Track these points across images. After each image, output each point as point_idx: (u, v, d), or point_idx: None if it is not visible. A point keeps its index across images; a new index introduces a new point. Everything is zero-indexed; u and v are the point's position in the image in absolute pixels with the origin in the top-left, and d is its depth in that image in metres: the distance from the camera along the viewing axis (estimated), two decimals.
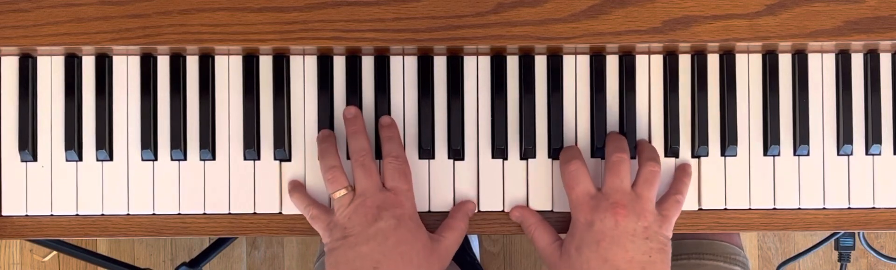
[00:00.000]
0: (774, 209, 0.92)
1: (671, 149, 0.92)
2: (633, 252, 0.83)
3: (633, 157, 0.91)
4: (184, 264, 1.36)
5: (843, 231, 1.04)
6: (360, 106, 0.91)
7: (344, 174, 0.88)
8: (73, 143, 0.91)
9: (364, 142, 0.88)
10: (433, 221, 0.91)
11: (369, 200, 0.86)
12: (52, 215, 0.91)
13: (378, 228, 0.84)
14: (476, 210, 0.92)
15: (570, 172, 0.87)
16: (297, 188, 0.91)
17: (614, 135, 0.91)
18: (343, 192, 0.87)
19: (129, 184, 0.91)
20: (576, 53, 0.92)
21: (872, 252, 1.05)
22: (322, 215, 0.88)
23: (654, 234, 0.85)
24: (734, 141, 0.91)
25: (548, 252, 0.88)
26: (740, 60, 0.92)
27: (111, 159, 0.91)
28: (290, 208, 0.91)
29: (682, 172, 0.91)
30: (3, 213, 0.91)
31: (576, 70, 0.92)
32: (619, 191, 0.85)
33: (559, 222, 0.92)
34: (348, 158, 0.90)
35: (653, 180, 0.87)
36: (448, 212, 0.92)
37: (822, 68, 0.92)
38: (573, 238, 0.86)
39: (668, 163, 0.92)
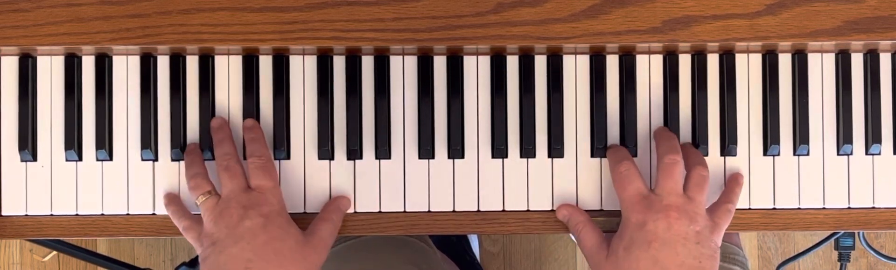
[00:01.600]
0: (774, 208, 0.92)
1: None
2: (683, 256, 0.83)
3: (634, 155, 0.91)
4: (184, 264, 1.36)
5: (842, 231, 1.04)
6: (359, 106, 0.91)
7: (207, 180, 0.88)
8: (73, 143, 0.91)
9: (228, 147, 0.88)
10: (433, 221, 0.91)
11: (234, 201, 0.85)
12: (51, 215, 0.91)
13: (245, 228, 0.84)
14: (351, 207, 0.91)
15: (620, 172, 0.87)
16: (173, 200, 0.90)
17: (664, 133, 0.90)
18: (205, 197, 0.87)
19: (129, 184, 0.91)
20: (576, 53, 0.92)
21: (872, 252, 1.05)
22: (194, 225, 0.87)
23: (705, 240, 0.84)
24: (734, 141, 0.91)
25: (594, 251, 0.87)
26: (740, 59, 0.92)
27: (111, 159, 0.91)
28: (290, 208, 0.91)
29: (733, 182, 0.91)
30: (3, 213, 0.91)
31: (576, 70, 0.92)
32: (673, 193, 0.85)
33: (560, 222, 0.92)
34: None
35: (703, 184, 0.86)
36: (449, 212, 0.92)
37: (822, 68, 0.92)
38: (622, 238, 0.85)
39: None
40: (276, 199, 0.87)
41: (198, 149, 0.91)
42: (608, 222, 0.91)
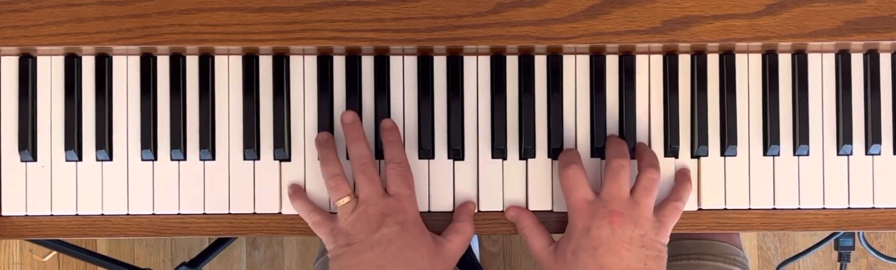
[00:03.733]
0: (774, 209, 0.92)
1: (671, 149, 0.92)
2: (628, 260, 0.83)
3: (633, 157, 0.91)
4: (184, 264, 1.36)
5: (842, 231, 1.04)
6: (359, 106, 0.91)
7: (346, 181, 0.88)
8: (73, 143, 0.91)
9: (364, 148, 0.88)
10: (433, 221, 0.91)
11: (372, 207, 0.86)
12: (51, 215, 0.91)
13: (382, 234, 0.85)
14: (476, 210, 0.92)
15: (567, 177, 0.87)
16: (298, 192, 0.91)
17: (615, 139, 0.91)
18: (346, 200, 0.87)
19: (128, 184, 0.91)
20: (576, 53, 0.92)
21: (872, 252, 1.05)
22: (325, 221, 0.88)
23: (650, 242, 0.85)
24: (734, 141, 0.91)
25: (543, 254, 0.88)
26: (740, 60, 0.92)
27: (111, 159, 0.91)
28: (290, 208, 0.91)
29: (682, 177, 0.91)
30: (3, 213, 0.91)
31: (576, 70, 0.92)
32: (617, 198, 0.85)
33: (558, 222, 0.92)
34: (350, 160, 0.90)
35: (652, 187, 0.87)
36: (448, 212, 0.92)
37: (822, 68, 0.92)
38: (570, 241, 0.86)
39: (667, 163, 0.92)
40: (412, 208, 0.87)
41: (332, 141, 0.90)
42: None
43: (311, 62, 0.92)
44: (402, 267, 0.84)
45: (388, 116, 0.91)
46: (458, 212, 0.91)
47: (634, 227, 0.84)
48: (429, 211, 0.92)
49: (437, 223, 0.91)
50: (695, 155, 0.92)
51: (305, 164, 0.92)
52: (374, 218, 0.85)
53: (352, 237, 0.85)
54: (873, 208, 0.92)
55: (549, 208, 0.92)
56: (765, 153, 0.92)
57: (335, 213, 0.89)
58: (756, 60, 0.92)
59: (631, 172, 0.88)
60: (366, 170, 0.87)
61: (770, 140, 0.92)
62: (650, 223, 0.85)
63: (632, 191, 0.87)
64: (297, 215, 0.91)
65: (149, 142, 0.91)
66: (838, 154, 0.92)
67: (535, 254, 0.89)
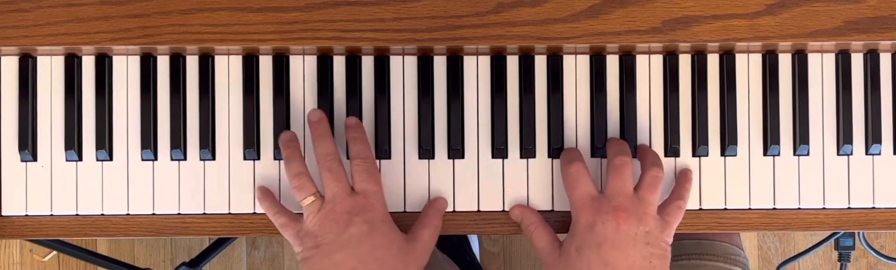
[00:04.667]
0: (774, 209, 0.92)
1: (671, 149, 0.92)
2: (633, 258, 0.83)
3: (633, 156, 0.91)
4: (184, 264, 1.36)
5: (842, 231, 1.04)
6: (359, 106, 0.91)
7: (311, 180, 0.87)
8: (73, 143, 0.91)
9: (330, 146, 0.87)
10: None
11: (339, 205, 0.85)
12: (52, 215, 0.91)
13: (350, 234, 0.84)
14: (447, 206, 0.91)
15: (570, 173, 0.87)
16: (267, 195, 0.90)
17: (615, 139, 0.91)
18: (311, 199, 0.86)
19: (129, 184, 0.91)
20: (576, 53, 0.92)
21: (872, 252, 1.05)
22: (292, 222, 0.87)
23: (655, 239, 0.84)
24: (734, 141, 0.91)
25: (546, 251, 0.88)
26: (740, 59, 0.92)
27: (111, 159, 0.91)
28: (290, 208, 0.91)
29: (683, 177, 0.91)
30: (3, 213, 0.91)
31: (576, 70, 0.92)
32: (622, 194, 0.85)
33: (559, 222, 0.92)
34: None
35: (656, 184, 0.87)
36: (448, 212, 0.92)
37: (822, 68, 0.92)
38: (573, 238, 0.86)
39: (667, 163, 0.92)
40: (380, 204, 0.86)
41: (297, 141, 0.89)
42: None
43: (311, 62, 0.92)
44: (374, 267, 0.83)
45: (389, 116, 0.91)
46: (427, 207, 0.90)
47: (639, 224, 0.84)
48: None
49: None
50: (695, 155, 0.92)
51: (306, 164, 0.91)
52: (341, 217, 0.84)
53: (319, 238, 0.84)
54: (873, 208, 0.92)
55: (549, 207, 0.92)
56: (765, 153, 0.92)
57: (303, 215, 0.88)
58: (756, 59, 0.92)
59: (633, 171, 0.88)
60: (332, 167, 0.86)
61: (770, 140, 0.92)
62: (655, 221, 0.85)
63: (636, 188, 0.87)
64: (297, 214, 0.91)
65: (149, 142, 0.91)
66: (838, 154, 0.92)
67: (538, 252, 0.89)
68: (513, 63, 0.92)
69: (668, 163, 0.92)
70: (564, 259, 0.85)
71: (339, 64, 0.92)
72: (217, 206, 0.91)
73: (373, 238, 0.84)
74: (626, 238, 0.83)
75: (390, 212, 0.91)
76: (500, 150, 0.92)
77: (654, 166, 0.87)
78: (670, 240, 0.87)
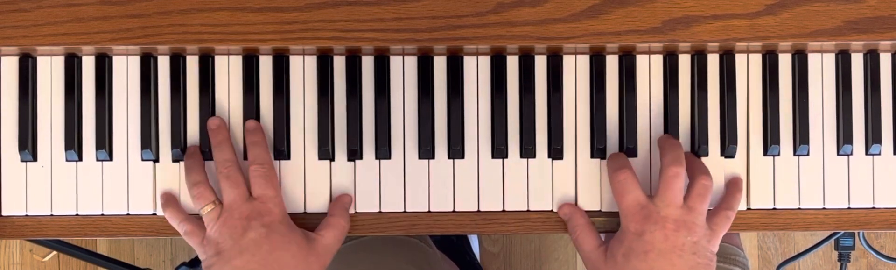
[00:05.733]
0: (774, 209, 0.92)
1: None
2: (680, 267, 0.83)
3: (634, 155, 0.91)
4: (184, 264, 1.36)
5: (842, 231, 1.04)
6: (360, 106, 0.91)
7: (210, 188, 0.88)
8: (73, 143, 0.91)
9: (228, 153, 0.88)
10: (432, 221, 0.91)
11: (236, 212, 0.85)
12: (52, 215, 0.91)
13: (249, 239, 0.84)
14: (351, 203, 0.91)
15: (619, 181, 0.87)
16: (170, 202, 0.90)
17: (670, 142, 0.89)
18: (210, 207, 0.87)
19: (129, 184, 0.91)
20: (576, 53, 0.92)
21: (872, 252, 1.05)
22: (196, 230, 0.87)
23: (702, 249, 0.84)
24: (734, 141, 0.91)
25: (593, 255, 0.88)
26: (740, 59, 0.92)
27: (111, 159, 0.91)
28: (291, 208, 0.91)
29: (734, 187, 0.91)
30: (3, 213, 0.91)
31: (576, 70, 0.92)
32: (672, 205, 0.85)
33: (560, 222, 0.92)
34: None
35: (705, 194, 0.86)
36: (448, 212, 0.92)
37: (822, 68, 0.92)
38: (621, 244, 0.85)
39: None
40: (278, 208, 0.87)
41: (198, 152, 0.90)
42: (608, 222, 0.91)
43: (311, 62, 0.92)
44: (275, 269, 0.84)
45: (388, 116, 0.91)
46: (333, 206, 0.90)
47: (688, 234, 0.84)
48: (428, 211, 0.92)
49: (439, 223, 0.91)
50: (695, 155, 0.92)
51: (305, 164, 0.91)
52: (238, 223, 0.85)
53: (220, 245, 0.85)
54: (873, 208, 0.92)
55: (550, 208, 0.92)
56: (765, 153, 0.92)
57: None
58: (756, 59, 0.92)
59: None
60: (230, 175, 0.87)
61: (770, 140, 0.92)
62: (703, 231, 0.85)
63: (685, 198, 0.86)
64: (297, 214, 0.91)
65: (149, 142, 0.91)
66: (838, 154, 0.92)
67: (584, 254, 0.89)
68: (513, 63, 0.92)
69: None
70: (611, 264, 0.85)
71: (339, 64, 0.92)
72: None
73: (271, 241, 0.84)
74: (674, 247, 0.83)
75: (390, 213, 0.91)
76: (500, 150, 0.92)
77: (703, 174, 0.87)
78: (716, 249, 0.87)
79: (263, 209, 0.86)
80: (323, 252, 0.87)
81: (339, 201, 0.90)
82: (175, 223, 0.89)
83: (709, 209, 0.88)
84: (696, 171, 0.88)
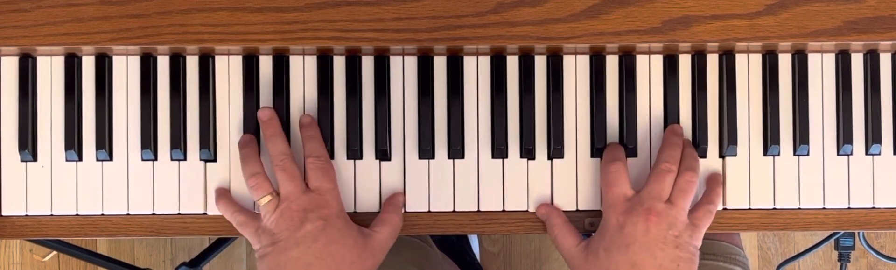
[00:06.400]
0: (774, 209, 0.92)
1: None
2: (661, 260, 0.83)
3: (634, 155, 0.91)
4: (184, 264, 1.36)
5: (842, 231, 1.04)
6: (359, 106, 0.91)
7: (267, 179, 0.88)
8: (73, 143, 0.91)
9: (282, 145, 0.88)
10: (432, 221, 0.91)
11: (294, 204, 0.85)
12: (52, 215, 0.91)
13: (306, 231, 0.84)
14: (404, 201, 0.91)
15: (610, 172, 0.87)
16: (223, 195, 0.90)
17: (675, 139, 0.90)
18: (268, 198, 0.86)
19: (129, 184, 0.91)
20: (576, 53, 0.92)
21: (872, 252, 1.05)
22: (250, 221, 0.88)
23: (684, 244, 0.85)
24: (734, 141, 0.91)
25: (573, 252, 0.88)
26: (740, 60, 0.92)
27: (111, 159, 0.91)
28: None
29: (714, 182, 0.91)
30: (3, 213, 0.91)
31: (576, 70, 0.92)
32: (657, 198, 0.85)
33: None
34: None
35: (689, 190, 0.87)
36: (448, 212, 0.92)
37: (822, 68, 0.92)
38: (603, 238, 0.86)
39: None
40: (335, 201, 0.87)
41: (254, 142, 0.90)
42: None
43: (311, 62, 0.92)
44: (330, 263, 0.84)
45: (389, 116, 0.91)
46: (386, 203, 0.90)
47: (669, 227, 0.84)
48: (428, 211, 0.92)
49: (439, 223, 0.91)
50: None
51: (305, 164, 0.91)
52: (296, 215, 0.85)
53: (277, 235, 0.85)
54: (873, 208, 0.92)
55: None
56: (765, 153, 0.92)
57: (260, 213, 0.88)
58: (756, 60, 0.92)
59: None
60: (286, 166, 0.87)
61: (770, 140, 0.92)
62: (684, 225, 0.85)
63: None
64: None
65: (149, 142, 0.91)
66: (838, 154, 0.92)
67: (564, 253, 0.89)
68: (513, 63, 0.92)
69: None
70: (592, 260, 0.85)
71: (339, 64, 0.92)
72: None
73: (327, 234, 0.84)
74: (656, 240, 0.83)
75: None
76: (500, 150, 0.92)
77: (688, 170, 0.87)
78: (699, 244, 0.87)
79: (321, 201, 0.86)
80: (378, 248, 0.87)
81: (393, 199, 0.91)
82: (228, 214, 0.89)
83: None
84: (684, 166, 0.88)
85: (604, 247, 0.85)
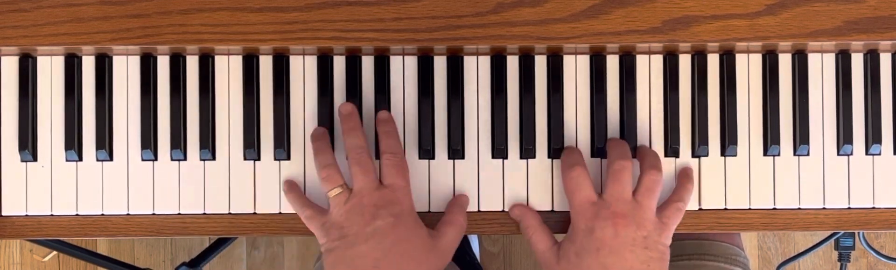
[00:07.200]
0: (774, 209, 0.92)
1: (671, 149, 0.92)
2: (632, 262, 0.83)
3: (634, 156, 0.91)
4: (184, 264, 1.36)
5: (842, 231, 1.04)
6: (360, 106, 0.91)
7: (339, 172, 0.87)
8: (73, 143, 0.91)
9: (360, 139, 0.88)
10: (433, 221, 0.91)
11: (366, 198, 0.85)
12: (52, 215, 0.91)
13: (376, 226, 0.84)
14: (469, 203, 0.91)
15: (572, 178, 0.87)
16: (293, 188, 0.90)
17: (616, 140, 0.90)
18: (338, 190, 0.86)
19: (129, 184, 0.91)
20: (576, 53, 0.92)
21: (872, 252, 1.05)
22: (317, 215, 0.87)
23: (653, 243, 0.85)
24: (734, 141, 0.91)
25: (546, 255, 0.88)
26: (740, 59, 0.92)
27: (111, 159, 0.91)
28: (290, 207, 0.91)
29: (684, 178, 0.91)
30: (3, 213, 0.91)
31: (576, 70, 0.92)
32: (621, 199, 0.85)
33: (560, 222, 0.92)
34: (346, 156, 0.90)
35: (654, 188, 0.87)
36: None
37: (822, 68, 0.92)
38: (573, 243, 0.86)
39: (668, 163, 0.92)
40: (407, 198, 0.87)
41: (326, 135, 0.90)
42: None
43: (311, 62, 0.92)
44: (398, 260, 0.83)
45: (386, 110, 0.91)
46: (451, 204, 0.90)
47: (637, 228, 0.84)
48: (428, 211, 0.92)
49: (436, 223, 0.91)
50: (695, 155, 0.92)
51: (305, 164, 0.92)
52: (367, 210, 0.84)
53: (345, 229, 0.84)
54: (873, 208, 0.93)
55: (549, 208, 0.92)
56: (765, 153, 0.92)
57: (328, 208, 0.88)
58: (756, 59, 0.92)
59: (633, 173, 0.88)
60: (361, 160, 0.86)
61: (770, 140, 0.92)
62: (653, 225, 0.85)
63: (634, 192, 0.86)
64: (297, 214, 0.91)
65: (149, 142, 0.91)
66: (838, 154, 0.92)
67: (538, 255, 0.89)
68: (513, 63, 0.92)
69: (668, 163, 0.92)
70: (564, 264, 0.86)
71: (339, 64, 0.92)
72: (217, 206, 0.91)
73: (397, 232, 0.84)
74: (624, 243, 0.84)
75: None
76: (500, 150, 0.92)
77: (651, 168, 0.87)
78: (668, 242, 0.87)
79: (393, 198, 0.85)
80: (445, 249, 0.87)
81: (458, 200, 0.90)
82: (296, 207, 0.89)
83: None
84: (647, 165, 0.88)
85: (574, 251, 0.85)
